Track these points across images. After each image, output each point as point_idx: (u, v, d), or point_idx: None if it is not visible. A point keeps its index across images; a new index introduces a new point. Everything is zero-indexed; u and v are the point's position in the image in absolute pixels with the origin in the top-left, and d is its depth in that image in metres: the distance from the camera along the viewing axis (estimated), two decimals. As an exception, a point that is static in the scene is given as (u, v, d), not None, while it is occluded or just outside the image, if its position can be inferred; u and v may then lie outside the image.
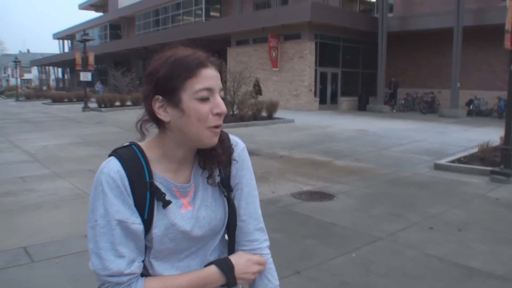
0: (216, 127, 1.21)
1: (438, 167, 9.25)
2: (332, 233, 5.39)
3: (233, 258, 1.30)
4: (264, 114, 18.29)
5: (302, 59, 23.72)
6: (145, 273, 1.25)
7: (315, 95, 24.08)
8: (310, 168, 9.24)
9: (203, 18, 34.91)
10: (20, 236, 5.22)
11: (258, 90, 22.24)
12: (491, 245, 5.09)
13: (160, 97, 1.19)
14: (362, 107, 24.67)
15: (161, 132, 1.26)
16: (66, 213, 6.19)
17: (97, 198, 1.17)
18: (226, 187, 1.34)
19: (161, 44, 34.29)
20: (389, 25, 23.91)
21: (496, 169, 8.35)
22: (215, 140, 1.22)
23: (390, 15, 24.70)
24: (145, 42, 36.53)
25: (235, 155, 1.37)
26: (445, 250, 4.90)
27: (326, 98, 24.96)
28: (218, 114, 1.20)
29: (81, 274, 4.06)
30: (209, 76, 1.18)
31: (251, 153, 10.74)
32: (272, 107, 18.40)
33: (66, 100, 34.68)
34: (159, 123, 1.24)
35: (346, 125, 16.98)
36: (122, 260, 1.16)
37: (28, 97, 41.97)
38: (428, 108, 22.85)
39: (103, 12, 54.63)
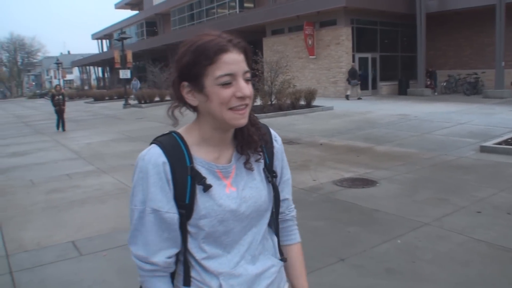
0: (240, 108, 1.22)
1: (484, 149, 8.94)
2: (376, 220, 5.30)
3: None
4: (302, 102, 18.15)
5: (339, 45, 23.37)
6: (192, 260, 1.28)
7: (353, 81, 23.70)
8: (351, 155, 9.12)
9: (237, 10, 34.87)
10: (68, 231, 5.37)
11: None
12: (543, 228, 4.89)
13: (187, 83, 1.23)
14: (402, 91, 24.07)
15: (197, 115, 1.30)
16: (111, 207, 6.33)
17: (137, 184, 1.23)
18: (270, 173, 1.40)
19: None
20: (427, 5, 23.17)
21: (547, 149, 8.01)
22: (242, 121, 1.23)
23: (429, -5, 23.95)
24: (181, 37, 36.73)
25: (277, 146, 1.45)
26: (494, 234, 4.73)
27: (365, 83, 24.52)
28: (241, 98, 1.21)
29: (128, 265, 4.14)
30: (230, 61, 1.19)
31: (291, 141, 10.70)
32: (310, 95, 18.22)
33: (107, 98, 35.49)
34: (193, 106, 1.28)
35: (386, 110, 16.65)
36: (147, 247, 1.23)
37: (71, 97, 43.14)
38: (472, 90, 22.08)
39: (139, 10, 55.32)
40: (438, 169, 7.76)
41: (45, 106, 35.28)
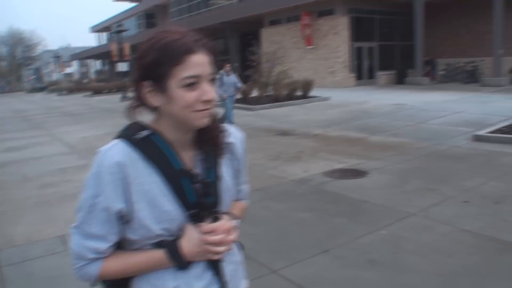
0: (204, 110, 1.20)
1: (477, 138, 8.93)
2: (363, 211, 5.31)
3: (185, 241, 1.26)
4: (299, 93, 18.12)
5: (337, 35, 23.29)
6: None
7: (351, 71, 23.64)
8: (344, 146, 9.12)
9: (236, 0, 34.71)
10: (58, 226, 5.39)
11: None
12: (530, 217, 4.90)
13: (149, 83, 1.19)
14: (400, 80, 23.99)
15: (157, 116, 1.27)
16: (101, 201, 6.34)
17: (91, 179, 1.21)
18: (228, 171, 1.39)
19: (196, 30, 34.35)
20: (425, -6, 23.07)
21: (539, 137, 8.00)
22: (204, 121, 1.22)
23: (427, -17, 23.81)
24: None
25: (235, 142, 1.42)
26: (480, 224, 4.75)
27: (363, 73, 24.44)
28: (206, 101, 1.19)
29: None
30: (197, 63, 1.16)
31: (286, 133, 10.69)
32: (307, 86, 18.20)
33: (105, 91, 35.44)
34: (152, 107, 1.25)
35: (383, 100, 16.60)
36: (94, 239, 1.22)
37: (70, 91, 43.11)
38: (470, 78, 21.99)
39: (138, 1, 55.16)
40: (430, 159, 7.76)
41: (44, 100, 35.30)
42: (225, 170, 1.37)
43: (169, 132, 1.24)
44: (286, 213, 5.29)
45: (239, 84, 12.30)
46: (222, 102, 11.60)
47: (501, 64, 20.18)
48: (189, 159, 1.29)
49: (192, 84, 1.16)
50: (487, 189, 5.90)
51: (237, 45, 32.16)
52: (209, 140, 1.30)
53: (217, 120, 1.35)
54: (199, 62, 1.17)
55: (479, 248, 4.20)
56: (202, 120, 1.21)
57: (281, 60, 18.55)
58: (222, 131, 1.35)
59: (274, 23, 27.70)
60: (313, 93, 18.47)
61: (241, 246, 1.49)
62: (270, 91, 18.00)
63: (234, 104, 12.33)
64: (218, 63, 1.27)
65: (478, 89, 18.77)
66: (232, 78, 11.89)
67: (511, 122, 9.79)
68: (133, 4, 55.42)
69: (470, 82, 21.67)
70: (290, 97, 17.60)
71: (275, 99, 17.12)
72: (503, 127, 9.51)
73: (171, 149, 1.23)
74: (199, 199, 1.25)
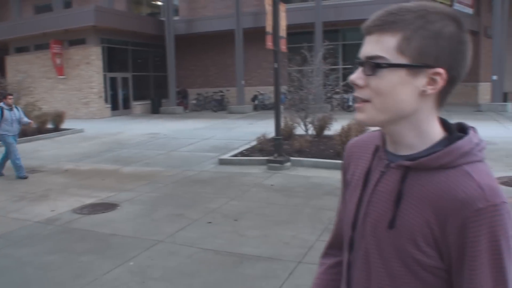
0: None
1: (222, 162, 9.77)
2: (111, 245, 5.27)
3: None
4: (50, 126, 17.06)
5: (89, 65, 22.73)
6: None
7: (106, 101, 23.25)
8: (96, 179, 8.91)
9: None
10: None
11: None
12: (262, 230, 5.57)
13: None
14: (155, 110, 24.65)
15: None
16: None
17: None
18: None
19: None
20: (176, 28, 24.38)
21: (271, 158, 9.16)
22: None
23: (176, 18, 25.21)
24: None
25: None
26: (221, 241, 5.20)
27: (118, 103, 24.29)
28: None
29: None
30: None
31: (34, 170, 9.90)
32: (59, 118, 17.26)
33: None
34: None
35: (138, 129, 16.81)
36: None
37: None
38: (219, 106, 23.99)
39: None
40: (180, 185, 8.16)
41: None
42: None
43: None
44: (29, 258, 4.91)
45: (26, 119, 10.10)
46: (4, 142, 9.37)
47: (244, 93, 22.61)
48: None
49: None
50: (228, 208, 6.50)
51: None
52: None
53: None
54: None
55: (220, 263, 4.60)
56: None
57: (29, 91, 17.27)
58: None
59: (20, 50, 25.63)
60: (66, 125, 17.55)
61: None
62: (16, 125, 16.51)
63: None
64: None
65: (225, 116, 20.56)
66: (16, 113, 9.73)
67: (251, 145, 10.99)
68: None
69: (219, 110, 23.64)
70: (40, 130, 16.40)
71: (23, 134, 15.75)
72: (244, 150, 10.63)
73: None
74: None
